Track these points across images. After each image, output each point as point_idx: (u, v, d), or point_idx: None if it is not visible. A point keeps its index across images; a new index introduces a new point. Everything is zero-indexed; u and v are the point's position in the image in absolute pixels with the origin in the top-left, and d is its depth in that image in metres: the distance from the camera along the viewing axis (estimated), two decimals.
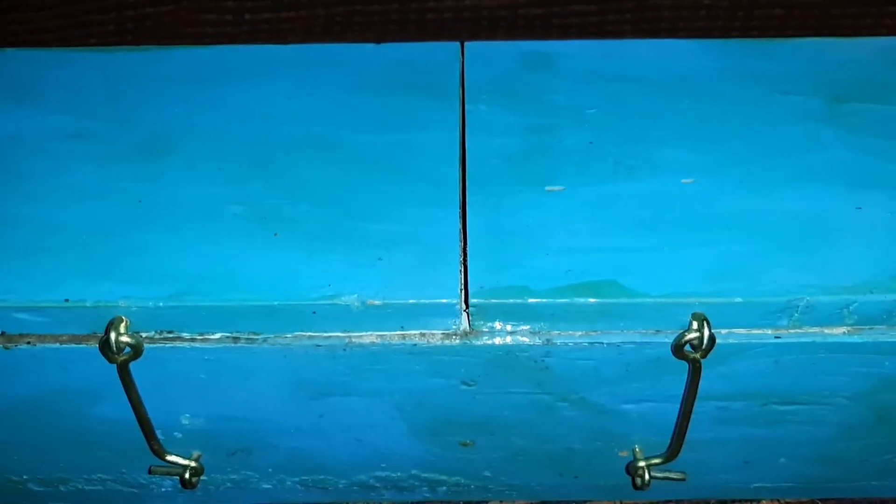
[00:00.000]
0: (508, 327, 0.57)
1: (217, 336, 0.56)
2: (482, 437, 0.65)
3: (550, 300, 0.55)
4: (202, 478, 0.67)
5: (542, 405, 0.62)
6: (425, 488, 0.71)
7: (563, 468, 0.69)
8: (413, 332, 0.57)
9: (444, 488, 0.71)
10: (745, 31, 1.15)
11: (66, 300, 0.54)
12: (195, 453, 0.66)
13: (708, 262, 0.56)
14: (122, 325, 0.54)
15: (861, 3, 1.13)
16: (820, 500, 0.75)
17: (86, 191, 0.60)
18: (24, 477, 0.70)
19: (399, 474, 0.69)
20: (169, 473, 0.65)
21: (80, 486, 0.71)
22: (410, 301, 0.55)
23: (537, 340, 0.57)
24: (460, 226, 0.58)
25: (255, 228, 0.58)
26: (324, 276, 0.55)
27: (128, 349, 0.55)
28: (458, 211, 0.59)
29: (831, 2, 1.13)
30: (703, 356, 0.55)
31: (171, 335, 0.56)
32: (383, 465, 0.68)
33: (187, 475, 0.64)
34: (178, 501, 0.74)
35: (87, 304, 0.54)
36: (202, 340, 0.56)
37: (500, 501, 0.75)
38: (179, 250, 0.57)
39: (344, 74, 0.68)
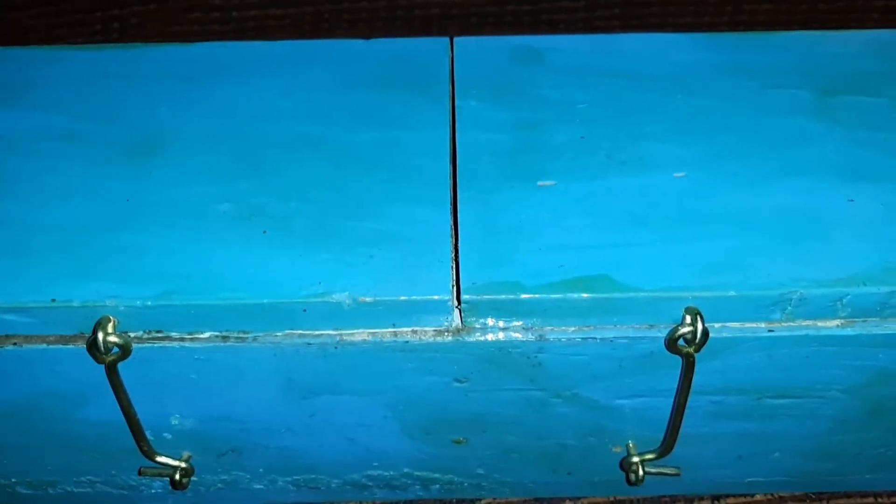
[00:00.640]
0: (501, 323, 0.56)
1: (206, 335, 0.56)
2: (475, 434, 0.65)
3: (543, 296, 0.54)
4: (192, 479, 0.66)
5: (535, 401, 0.61)
6: (418, 486, 0.71)
7: (557, 465, 0.69)
8: (405, 329, 0.56)
9: (437, 486, 0.71)
10: (734, 27, 1.15)
11: (53, 300, 0.54)
12: (185, 454, 0.65)
13: (701, 256, 0.56)
14: (110, 324, 0.54)
15: None
16: (813, 493, 0.75)
17: (73, 191, 0.60)
18: (12, 480, 0.69)
19: (391, 473, 0.69)
20: (159, 475, 0.64)
21: (68, 489, 0.70)
22: (402, 298, 0.54)
23: (530, 336, 0.56)
24: (451, 222, 0.58)
25: (243, 227, 0.57)
26: (314, 274, 0.55)
27: (116, 349, 0.54)
28: (449, 208, 0.58)
29: None
30: (697, 350, 0.55)
31: (159, 335, 0.56)
32: (375, 464, 0.68)
33: (178, 476, 0.64)
34: (168, 503, 0.73)
35: (75, 304, 0.54)
36: (191, 340, 0.56)
37: (494, 499, 0.74)
38: (168, 249, 0.56)
39: (332, 71, 0.67)
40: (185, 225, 0.57)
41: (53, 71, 0.68)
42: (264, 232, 0.57)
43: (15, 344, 0.56)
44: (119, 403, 0.58)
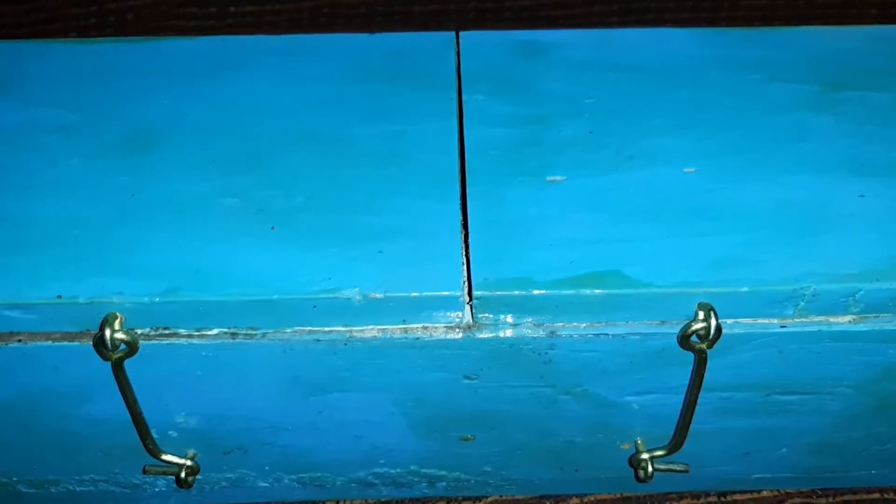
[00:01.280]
0: (511, 319, 0.56)
1: (215, 332, 0.55)
2: (483, 431, 0.64)
3: (555, 292, 0.54)
4: (197, 477, 0.65)
5: (544, 398, 0.61)
6: (424, 484, 0.70)
7: (564, 462, 0.68)
8: (415, 325, 0.56)
9: (444, 483, 0.70)
10: (731, 22, 1.15)
11: (59, 297, 0.53)
12: (190, 452, 0.64)
13: (712, 252, 0.55)
14: (117, 321, 0.53)
15: None
16: (819, 490, 0.74)
17: (73, 185, 0.59)
18: (14, 479, 0.68)
19: (398, 470, 0.68)
20: (164, 473, 0.64)
21: (71, 488, 0.69)
22: (413, 294, 0.54)
23: (541, 333, 0.56)
24: (460, 217, 0.57)
25: (250, 222, 0.56)
26: (324, 270, 0.54)
27: (123, 346, 0.53)
28: (457, 202, 0.58)
29: None
30: (710, 346, 0.55)
31: (167, 331, 0.55)
32: (382, 462, 0.67)
33: (183, 474, 0.63)
34: (172, 501, 0.72)
35: (81, 301, 0.53)
36: (199, 336, 0.55)
37: (500, 496, 0.74)
38: (173, 245, 0.55)
39: (336, 65, 0.67)
40: (190, 220, 0.57)
41: (48, 64, 0.67)
42: (272, 228, 0.56)
43: (20, 341, 0.55)
44: (125, 401, 0.57)
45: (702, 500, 0.74)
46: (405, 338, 0.56)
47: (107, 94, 0.64)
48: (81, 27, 1.11)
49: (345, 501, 0.73)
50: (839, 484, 0.74)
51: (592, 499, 0.74)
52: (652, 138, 0.61)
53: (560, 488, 0.73)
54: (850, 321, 0.56)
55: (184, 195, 0.58)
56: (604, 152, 0.61)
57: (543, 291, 0.54)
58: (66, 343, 0.55)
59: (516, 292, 0.54)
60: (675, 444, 0.63)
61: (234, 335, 0.55)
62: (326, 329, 0.55)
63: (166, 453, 0.62)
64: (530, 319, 0.56)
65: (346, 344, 0.56)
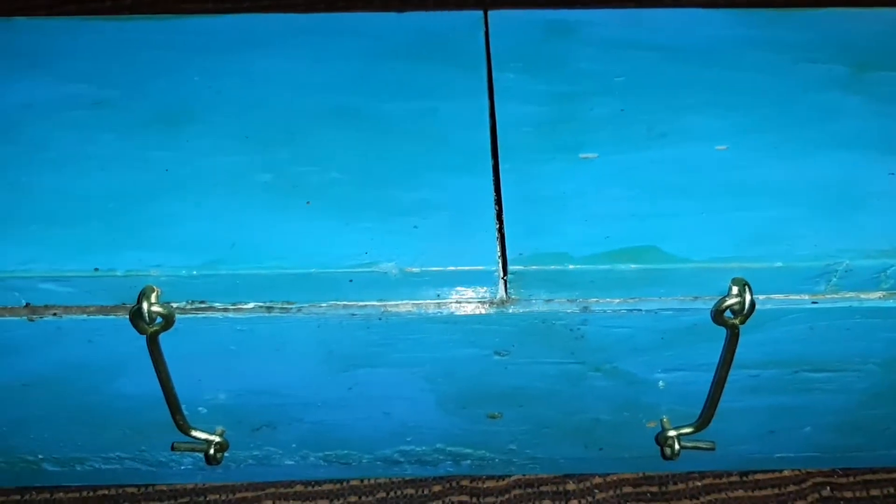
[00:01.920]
0: (545, 295, 0.56)
1: (250, 306, 0.55)
2: (511, 408, 0.64)
3: (590, 266, 0.54)
4: (224, 454, 0.65)
5: (573, 375, 0.61)
6: (449, 462, 0.71)
7: (589, 440, 0.69)
8: (449, 300, 0.56)
9: (468, 462, 0.71)
10: (760, 3, 1.14)
11: (96, 269, 0.53)
12: (219, 429, 0.64)
13: (745, 228, 0.56)
14: (154, 294, 0.53)
15: None
16: (840, 469, 0.75)
17: (108, 159, 0.59)
18: (39, 456, 0.68)
19: (424, 448, 0.69)
20: (193, 450, 0.64)
21: (96, 466, 0.69)
22: (449, 268, 0.54)
23: (574, 308, 0.56)
24: (493, 192, 0.57)
25: (286, 197, 0.57)
26: (360, 244, 0.54)
27: (159, 319, 0.53)
28: (490, 178, 0.58)
29: None
30: (743, 322, 0.55)
31: (202, 305, 0.55)
32: (409, 439, 0.67)
33: (212, 451, 0.63)
34: (197, 479, 0.73)
35: (118, 274, 0.53)
36: (235, 310, 0.55)
37: (523, 475, 0.74)
38: (210, 219, 0.55)
39: (365, 43, 0.67)
40: (226, 194, 0.57)
41: (80, 41, 0.67)
42: (307, 203, 0.56)
43: (55, 314, 0.55)
44: (158, 376, 0.57)
45: (724, 479, 0.74)
46: (439, 312, 0.56)
47: (139, 71, 0.64)
48: (96, 10, 1.10)
49: (369, 480, 0.74)
50: (860, 464, 0.74)
51: (615, 478, 0.74)
52: (683, 116, 0.62)
53: (583, 467, 0.73)
54: (880, 297, 0.57)
55: (219, 170, 0.58)
56: (635, 129, 0.61)
57: (578, 266, 0.54)
58: (101, 316, 0.55)
59: (551, 267, 0.54)
60: (702, 422, 0.63)
61: (269, 309, 0.55)
62: (361, 303, 0.55)
63: (196, 429, 0.62)
64: (564, 294, 0.56)
65: (380, 318, 0.56)
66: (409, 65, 0.65)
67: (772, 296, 0.56)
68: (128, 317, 0.54)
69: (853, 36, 0.68)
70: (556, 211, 0.56)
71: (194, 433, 0.62)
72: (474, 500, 0.72)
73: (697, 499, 0.73)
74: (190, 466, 0.70)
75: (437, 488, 0.73)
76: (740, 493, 0.73)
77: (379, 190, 0.57)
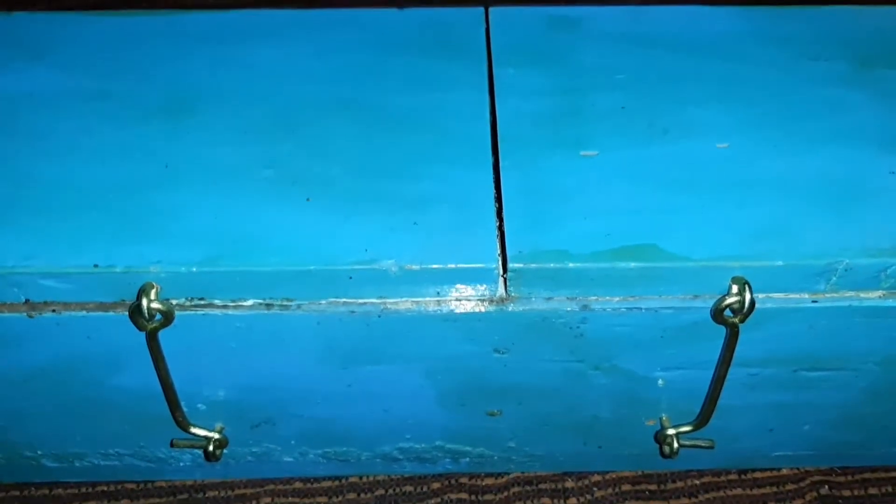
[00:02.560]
0: (545, 293, 0.56)
1: (250, 303, 0.55)
2: (510, 406, 0.64)
3: (590, 265, 0.54)
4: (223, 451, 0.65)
5: (573, 373, 0.61)
6: (448, 459, 0.71)
7: (588, 438, 0.69)
8: (448, 297, 0.56)
9: (467, 459, 0.71)
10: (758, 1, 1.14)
11: (95, 266, 0.53)
12: (218, 425, 0.64)
13: (746, 225, 0.55)
14: (154, 291, 0.53)
15: None
16: (838, 468, 0.75)
17: (108, 152, 0.59)
18: (39, 452, 0.68)
19: (423, 445, 0.68)
20: (192, 446, 0.64)
21: (95, 462, 0.69)
22: (449, 266, 0.54)
23: (574, 306, 0.56)
24: (494, 188, 0.57)
25: (286, 191, 0.56)
26: (360, 241, 0.54)
27: (159, 316, 0.53)
28: (491, 174, 0.58)
29: None
30: (743, 320, 0.55)
31: (202, 302, 0.55)
32: (408, 436, 0.67)
33: (211, 447, 0.63)
34: (196, 476, 0.73)
35: (117, 270, 0.53)
36: (234, 307, 0.55)
37: (522, 473, 0.74)
38: (210, 213, 0.55)
39: (366, 37, 0.67)
40: (226, 189, 0.57)
41: (82, 34, 0.67)
42: (307, 199, 0.56)
43: (54, 311, 0.55)
44: (157, 372, 0.57)
45: (722, 477, 0.74)
46: (439, 310, 0.56)
47: (140, 64, 0.64)
48: (98, 4, 1.10)
49: (368, 477, 0.74)
50: (858, 462, 0.74)
51: (614, 476, 0.74)
52: (685, 112, 0.62)
53: (582, 465, 0.73)
54: (880, 296, 0.57)
55: (219, 164, 0.58)
56: (637, 125, 0.61)
57: (578, 264, 0.54)
58: (100, 313, 0.55)
59: (551, 265, 0.54)
60: (701, 420, 0.63)
61: (269, 306, 0.55)
62: (361, 301, 0.55)
63: (195, 426, 0.62)
64: (564, 292, 0.56)
65: (379, 316, 0.56)
66: (411, 60, 0.65)
67: (772, 294, 0.56)
68: (127, 313, 0.54)
69: (856, 32, 0.68)
70: (556, 207, 0.56)
71: (193, 430, 0.62)
72: (473, 497, 0.72)
73: (696, 497, 0.73)
74: (189, 463, 0.70)
75: (435, 485, 0.73)
76: (739, 491, 0.73)
77: (379, 185, 0.57)
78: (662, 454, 0.65)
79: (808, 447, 0.71)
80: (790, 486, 0.73)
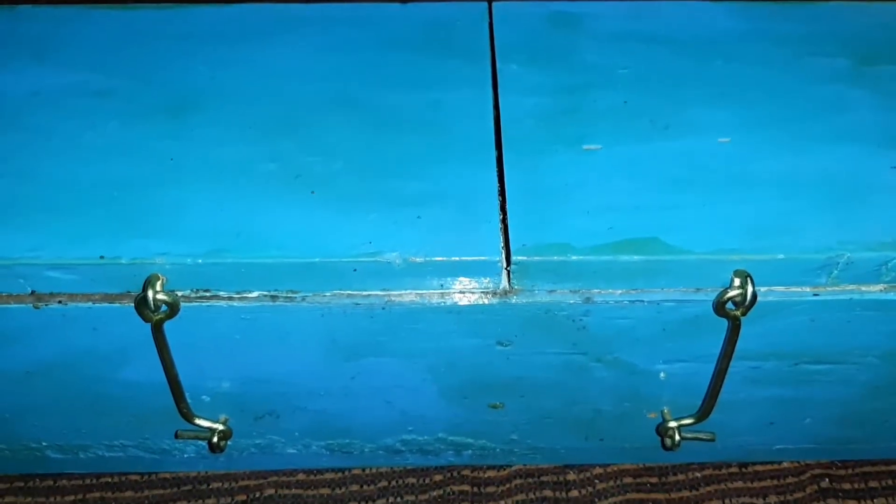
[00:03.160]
0: (548, 285, 0.56)
1: (255, 294, 0.55)
2: (512, 398, 0.65)
3: (593, 258, 0.54)
4: (227, 442, 0.66)
5: (575, 366, 0.61)
6: (450, 452, 0.71)
7: (590, 431, 0.69)
8: (452, 290, 0.56)
9: (470, 452, 0.71)
10: None
11: (101, 257, 0.53)
12: (222, 417, 0.65)
13: (748, 219, 0.56)
14: (159, 282, 0.53)
15: None
16: (839, 462, 0.75)
17: (112, 148, 0.59)
18: (43, 444, 0.69)
19: (425, 437, 0.69)
20: (196, 437, 0.64)
21: (99, 453, 0.70)
22: (453, 258, 0.54)
23: (577, 299, 0.56)
24: (497, 183, 0.57)
25: (290, 186, 0.57)
26: (364, 234, 0.54)
27: (164, 307, 0.54)
28: (494, 169, 0.58)
29: None
30: (744, 313, 0.55)
31: (207, 294, 0.55)
32: (410, 429, 0.68)
33: (215, 439, 0.63)
34: (200, 467, 0.73)
35: (123, 262, 0.53)
36: (239, 299, 0.55)
37: (524, 465, 0.74)
38: (215, 207, 0.56)
39: (368, 33, 0.67)
40: (231, 184, 0.57)
41: (86, 29, 0.67)
42: (312, 192, 0.56)
43: (60, 302, 0.55)
44: (162, 364, 0.57)
45: (723, 470, 0.75)
46: (442, 302, 0.56)
47: (144, 59, 0.64)
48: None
49: (371, 469, 0.74)
50: (859, 456, 0.75)
51: (616, 469, 0.75)
52: (687, 109, 0.62)
53: (584, 458, 0.74)
54: (881, 290, 0.57)
55: (224, 159, 0.58)
56: (639, 122, 0.61)
57: (581, 257, 0.54)
58: (106, 304, 0.55)
59: (554, 258, 0.54)
60: (703, 413, 0.63)
61: (273, 298, 0.55)
62: (365, 293, 0.56)
63: (200, 417, 0.63)
64: (567, 285, 0.56)
65: (383, 308, 0.56)
66: (414, 56, 0.65)
67: (773, 288, 0.56)
68: (133, 305, 0.54)
69: (857, 30, 0.68)
70: (559, 202, 0.57)
71: (198, 421, 0.63)
72: (475, 489, 0.73)
73: (697, 490, 0.73)
74: (193, 455, 0.71)
75: (438, 478, 0.73)
76: (740, 484, 0.74)
77: (383, 180, 0.57)
78: (664, 447, 0.66)
79: (808, 441, 0.72)
80: (791, 480, 0.74)
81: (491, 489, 0.73)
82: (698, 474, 0.74)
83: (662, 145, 0.60)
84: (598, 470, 0.74)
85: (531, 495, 0.73)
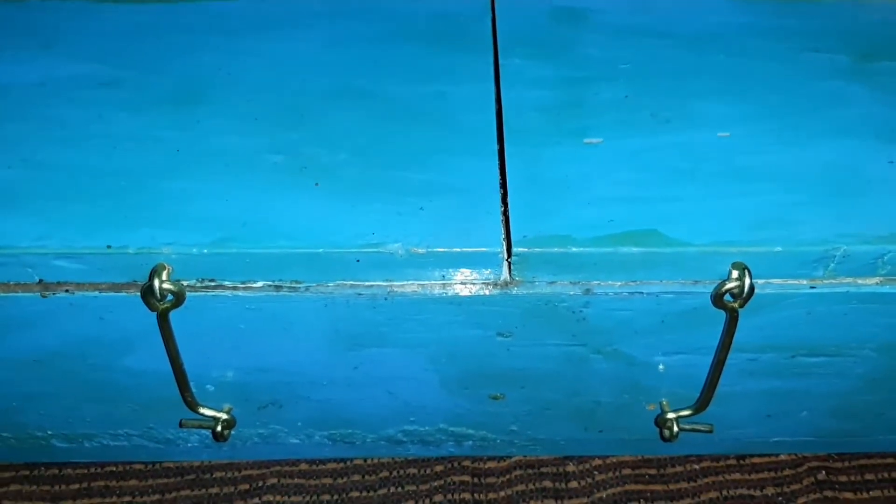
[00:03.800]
0: (548, 277, 0.57)
1: (259, 284, 0.56)
2: (513, 389, 0.65)
3: (593, 249, 0.55)
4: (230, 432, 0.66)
5: (575, 357, 0.62)
6: (451, 443, 0.72)
7: (590, 422, 0.70)
8: (454, 281, 0.57)
9: (470, 443, 0.72)
10: None
11: (108, 246, 0.54)
12: (226, 406, 0.65)
13: (746, 212, 0.56)
14: (165, 272, 0.54)
15: None
16: (836, 454, 0.76)
17: (120, 138, 0.60)
18: (49, 432, 0.69)
19: (427, 428, 0.70)
20: (201, 426, 0.65)
21: (105, 442, 0.71)
22: (455, 249, 0.55)
23: (577, 290, 0.57)
24: (499, 175, 0.58)
25: (295, 177, 0.58)
26: (367, 225, 0.55)
27: (170, 297, 0.54)
28: (496, 161, 0.59)
29: None
30: (742, 305, 0.56)
31: (212, 283, 0.56)
32: (412, 419, 0.69)
33: (219, 428, 0.64)
34: (203, 457, 0.74)
35: (130, 251, 0.54)
36: (244, 289, 0.56)
37: (524, 456, 0.75)
38: (221, 198, 0.56)
39: (373, 26, 0.68)
40: (236, 174, 0.58)
41: (94, 21, 0.68)
42: (316, 184, 0.57)
43: (67, 291, 0.56)
44: (167, 353, 0.58)
45: (721, 462, 0.75)
46: (444, 293, 0.57)
47: (151, 51, 0.65)
48: None
49: (372, 459, 0.75)
50: (855, 448, 0.76)
51: (615, 460, 0.75)
52: (688, 102, 0.63)
53: (583, 449, 0.75)
54: (877, 282, 0.58)
55: (230, 150, 0.59)
56: (640, 115, 0.62)
57: (581, 249, 0.55)
58: (112, 293, 0.56)
59: (555, 249, 0.55)
60: (701, 405, 0.64)
61: (278, 288, 0.56)
62: (368, 283, 0.56)
63: (204, 406, 0.63)
64: (567, 277, 0.57)
65: (386, 298, 0.57)
66: (418, 49, 0.66)
67: (771, 280, 0.57)
68: (139, 294, 0.55)
69: (857, 26, 0.69)
70: (560, 194, 0.57)
71: (202, 410, 0.64)
72: (476, 480, 0.74)
73: (695, 481, 0.74)
74: (196, 444, 0.71)
75: (439, 468, 0.74)
76: (737, 476, 0.75)
77: (386, 171, 0.58)
78: (662, 438, 0.66)
79: (805, 433, 0.73)
80: (788, 472, 0.75)
81: (491, 480, 0.74)
82: (696, 466, 0.75)
83: (663, 138, 0.60)
84: (598, 461, 0.75)
85: (531, 486, 0.73)
